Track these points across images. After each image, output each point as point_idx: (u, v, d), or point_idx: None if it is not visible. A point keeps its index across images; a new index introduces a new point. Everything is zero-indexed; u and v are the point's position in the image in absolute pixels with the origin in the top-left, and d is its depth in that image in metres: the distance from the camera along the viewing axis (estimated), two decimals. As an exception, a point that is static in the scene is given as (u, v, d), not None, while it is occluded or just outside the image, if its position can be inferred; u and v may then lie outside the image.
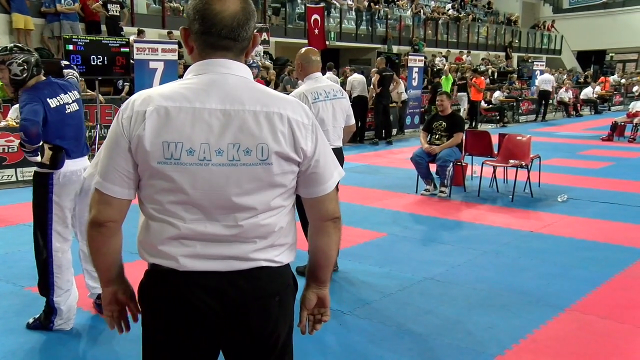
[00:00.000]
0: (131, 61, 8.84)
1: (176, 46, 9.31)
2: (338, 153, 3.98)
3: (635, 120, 12.19)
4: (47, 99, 2.99)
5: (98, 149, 8.09)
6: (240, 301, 1.40)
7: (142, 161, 1.34)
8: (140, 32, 11.60)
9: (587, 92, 19.37)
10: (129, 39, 9.65)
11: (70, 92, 3.18)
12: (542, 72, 18.11)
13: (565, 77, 21.55)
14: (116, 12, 11.84)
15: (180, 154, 1.32)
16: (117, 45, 8.52)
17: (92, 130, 8.43)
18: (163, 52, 8.91)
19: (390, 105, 12.50)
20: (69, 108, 3.10)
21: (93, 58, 8.19)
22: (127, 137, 1.34)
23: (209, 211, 1.36)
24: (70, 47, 8.06)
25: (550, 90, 16.93)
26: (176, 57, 9.30)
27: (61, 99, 3.07)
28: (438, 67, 14.10)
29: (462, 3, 25.90)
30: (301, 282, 1.58)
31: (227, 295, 1.39)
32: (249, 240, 1.40)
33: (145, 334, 1.49)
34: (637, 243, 4.88)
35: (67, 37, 8.41)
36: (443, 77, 14.67)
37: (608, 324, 3.35)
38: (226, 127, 1.34)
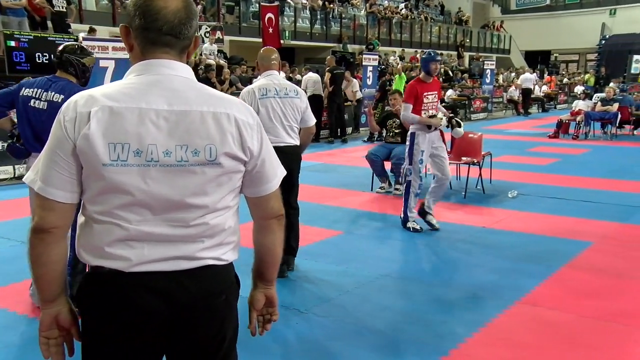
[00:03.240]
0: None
1: (127, 44, 9.07)
2: (291, 151, 3.98)
3: (578, 118, 12.72)
4: (25, 87, 3.28)
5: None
6: (187, 301, 1.38)
7: (88, 163, 1.31)
8: (91, 30, 11.23)
9: (535, 91, 20.10)
10: (77, 36, 9.35)
11: (50, 92, 3.21)
12: (492, 72, 18.80)
13: (514, 75, 22.23)
14: (62, 7, 11.41)
15: (127, 155, 1.30)
16: (64, 42, 8.24)
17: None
18: (114, 50, 8.65)
19: (346, 104, 12.59)
20: (34, 103, 3.19)
21: (38, 55, 7.90)
22: (72, 140, 1.30)
23: (157, 212, 1.35)
24: (13, 43, 7.75)
25: (532, 87, 18.82)
26: (128, 56, 9.06)
27: (34, 92, 3.20)
28: (382, 67, 14.20)
29: (417, 3, 26.34)
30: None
31: (173, 296, 1.37)
32: (197, 240, 1.39)
33: (86, 340, 1.43)
34: (580, 236, 5.09)
35: (8, 32, 8.08)
36: (396, 75, 14.87)
37: (556, 315, 3.48)
38: (174, 128, 1.33)
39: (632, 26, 26.59)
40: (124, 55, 9.07)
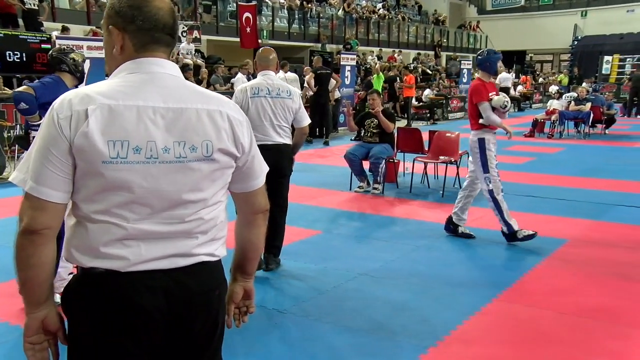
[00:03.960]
0: (53, 58, 8.40)
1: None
2: (279, 149, 4.02)
3: (553, 118, 12.93)
4: None
5: (17, 150, 7.55)
6: (185, 298, 1.40)
7: (85, 161, 1.29)
8: (64, 29, 11.03)
9: (511, 91, 20.46)
10: (50, 34, 9.17)
11: None
12: (469, 71, 19.03)
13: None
14: (34, 5, 11.17)
15: (127, 152, 1.30)
16: (37, 41, 8.08)
17: (11, 131, 7.96)
18: (89, 49, 8.53)
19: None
20: None
21: (9, 54, 7.73)
22: (67, 138, 1.27)
23: (155, 209, 1.36)
24: (-19, 41, 7.57)
25: (510, 86, 19.27)
26: (103, 55, 8.92)
27: None
28: (367, 67, 14.41)
29: (397, 3, 26.50)
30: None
31: (171, 293, 1.38)
32: (191, 236, 1.42)
33: (75, 345, 1.39)
34: (555, 233, 5.17)
35: (-21, 31, 7.89)
36: (374, 75, 14.95)
37: (532, 312, 3.53)
38: (171, 125, 1.35)
39: (603, 28, 27.20)
40: (100, 54, 8.92)
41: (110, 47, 1.43)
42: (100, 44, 8.87)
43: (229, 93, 11.64)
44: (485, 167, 4.86)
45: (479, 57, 5.06)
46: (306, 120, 4.18)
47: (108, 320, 1.35)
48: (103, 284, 1.35)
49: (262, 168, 1.56)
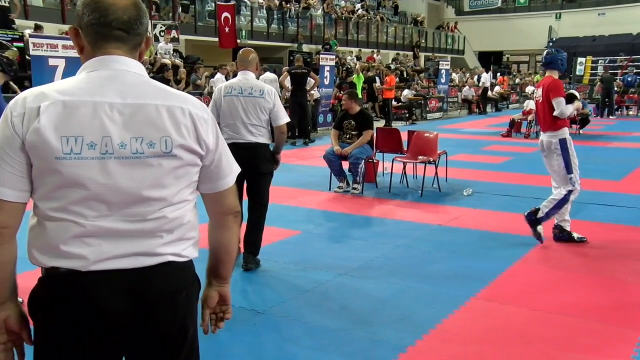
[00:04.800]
0: (27, 57, 8.25)
1: (78, 42, 8.78)
2: (251, 147, 4.03)
3: (530, 118, 13.12)
4: None
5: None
6: (150, 298, 1.37)
7: (39, 158, 1.28)
8: (37, 27, 10.83)
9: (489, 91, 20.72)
10: (22, 32, 8.99)
11: None
12: (447, 72, 19.24)
13: (468, 75, 22.75)
14: (5, 2, 10.95)
15: (81, 148, 1.29)
16: (8, 39, 7.92)
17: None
18: (64, 48, 8.37)
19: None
20: None
21: (-19, 53, 7.56)
22: (20, 136, 1.27)
23: (114, 206, 1.33)
24: (-49, 39, 7.39)
25: (489, 86, 19.99)
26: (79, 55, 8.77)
27: None
28: (347, 67, 14.50)
29: (378, 4, 26.62)
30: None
31: (136, 294, 1.36)
32: (155, 235, 1.39)
33: (41, 349, 1.37)
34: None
35: (-51, 29, 7.71)
36: (354, 75, 15.00)
37: (509, 309, 3.57)
38: (129, 121, 1.33)
39: (576, 30, 27.75)
40: (75, 53, 8.75)
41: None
42: (76, 43, 8.73)
43: (197, 93, 11.57)
44: (569, 167, 4.73)
45: (548, 55, 4.98)
46: (283, 119, 4.15)
47: (71, 322, 1.33)
48: (65, 285, 1.33)
49: (231, 168, 1.53)
